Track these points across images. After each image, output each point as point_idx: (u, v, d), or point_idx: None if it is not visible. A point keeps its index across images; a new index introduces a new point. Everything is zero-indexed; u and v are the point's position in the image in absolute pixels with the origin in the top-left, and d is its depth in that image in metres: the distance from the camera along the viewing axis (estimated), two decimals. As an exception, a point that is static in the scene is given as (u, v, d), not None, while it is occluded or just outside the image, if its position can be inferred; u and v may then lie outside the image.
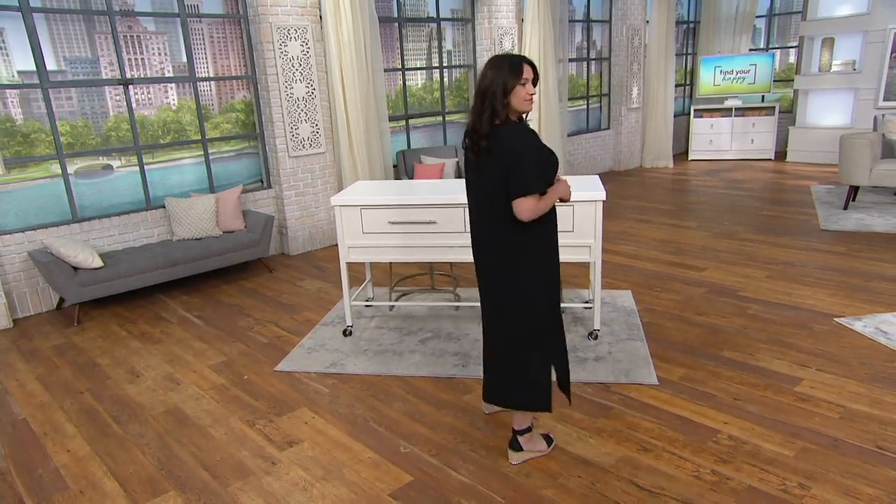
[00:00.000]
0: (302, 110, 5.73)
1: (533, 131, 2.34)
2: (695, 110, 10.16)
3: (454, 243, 3.61)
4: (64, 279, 4.29)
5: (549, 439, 2.66)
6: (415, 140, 7.20)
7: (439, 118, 7.45)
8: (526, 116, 2.50)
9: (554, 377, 2.54)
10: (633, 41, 9.37)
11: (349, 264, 3.84)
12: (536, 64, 7.41)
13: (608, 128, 9.82)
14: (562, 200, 2.43)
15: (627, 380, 3.18)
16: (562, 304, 2.72)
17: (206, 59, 5.49)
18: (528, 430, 2.58)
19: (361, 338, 3.91)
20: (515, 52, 7.65)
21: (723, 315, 3.96)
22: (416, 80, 7.24)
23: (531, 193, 2.23)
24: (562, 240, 3.41)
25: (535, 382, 2.47)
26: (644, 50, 9.61)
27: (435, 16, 7.17)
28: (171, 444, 2.86)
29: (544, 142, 2.41)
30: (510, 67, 2.26)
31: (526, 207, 2.23)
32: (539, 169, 2.27)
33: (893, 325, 3.65)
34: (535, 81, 2.32)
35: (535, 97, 2.34)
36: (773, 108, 9.77)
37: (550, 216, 2.39)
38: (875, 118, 7.11)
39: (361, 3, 5.81)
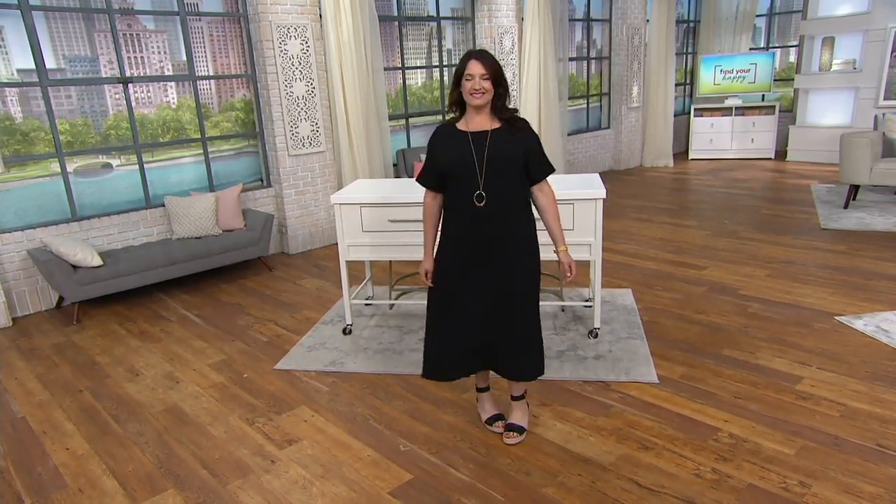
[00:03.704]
0: (302, 109, 5.72)
1: (438, 131, 2.51)
2: (695, 109, 10.15)
3: (454, 242, 3.59)
4: (63, 278, 4.29)
5: (495, 418, 2.78)
6: (415, 139, 7.19)
7: (439, 117, 7.44)
8: (517, 111, 2.53)
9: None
10: (633, 40, 9.36)
11: (349, 263, 3.83)
12: (534, 63, 7.55)
13: (608, 127, 9.81)
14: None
15: (627, 378, 3.18)
16: (540, 303, 2.67)
17: (205, 57, 5.49)
18: (479, 390, 2.84)
19: (361, 336, 3.90)
20: (516, 51, 7.65)
21: (723, 314, 3.95)
22: (416, 78, 7.24)
23: (420, 181, 2.57)
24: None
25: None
26: (644, 49, 9.59)
27: (435, 15, 7.16)
28: (170, 443, 2.85)
29: (544, 142, 2.46)
30: (461, 60, 2.35)
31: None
32: (426, 164, 2.54)
33: (894, 324, 3.64)
34: (492, 80, 2.30)
35: (486, 93, 2.33)
36: (774, 107, 9.76)
37: (448, 215, 2.53)
38: (875, 117, 7.10)
39: (361, 2, 5.80)
